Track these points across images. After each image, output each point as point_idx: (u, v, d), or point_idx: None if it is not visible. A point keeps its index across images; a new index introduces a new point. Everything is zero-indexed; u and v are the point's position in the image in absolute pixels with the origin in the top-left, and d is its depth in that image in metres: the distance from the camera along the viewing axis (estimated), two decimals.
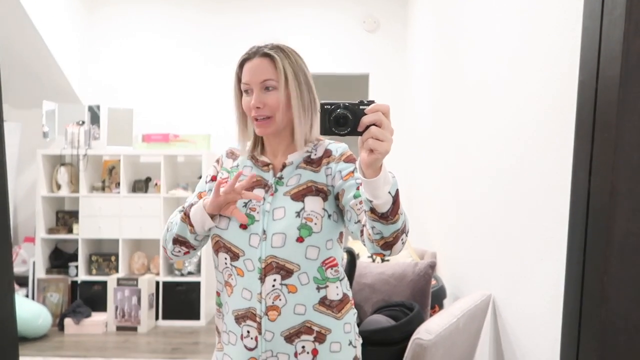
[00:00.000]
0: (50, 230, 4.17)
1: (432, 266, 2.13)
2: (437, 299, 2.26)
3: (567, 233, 0.59)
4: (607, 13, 0.53)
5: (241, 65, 1.17)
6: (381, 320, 1.92)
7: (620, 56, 0.55)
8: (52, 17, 3.96)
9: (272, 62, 1.13)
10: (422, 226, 3.32)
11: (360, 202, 1.05)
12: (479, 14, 2.12)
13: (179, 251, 1.21)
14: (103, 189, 4.23)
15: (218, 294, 1.22)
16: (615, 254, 0.58)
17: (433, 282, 2.27)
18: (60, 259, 4.24)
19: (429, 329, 1.54)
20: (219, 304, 1.22)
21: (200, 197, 1.24)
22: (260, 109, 1.13)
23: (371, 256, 2.61)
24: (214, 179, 1.26)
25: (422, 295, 2.09)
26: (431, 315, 2.04)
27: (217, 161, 1.29)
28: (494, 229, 1.85)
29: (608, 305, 0.55)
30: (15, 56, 3.89)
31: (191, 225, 1.15)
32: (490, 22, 1.96)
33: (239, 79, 1.18)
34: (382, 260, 2.54)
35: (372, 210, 0.93)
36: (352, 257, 2.07)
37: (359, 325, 1.99)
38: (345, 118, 0.88)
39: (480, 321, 1.82)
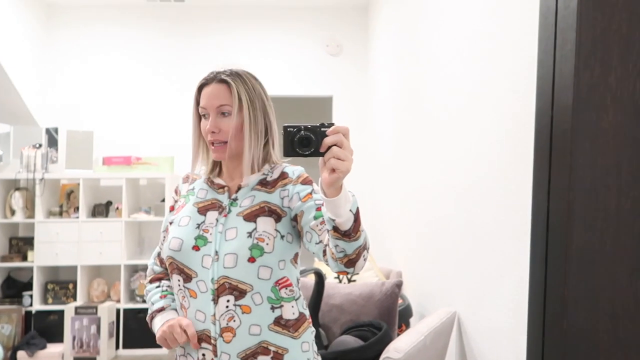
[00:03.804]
0: (3, 258, 3.98)
1: (399, 285, 2.16)
2: (404, 317, 2.29)
3: (530, 250, 0.63)
4: (560, 48, 0.59)
5: (200, 89, 1.20)
6: (350, 341, 1.92)
7: (572, 86, 0.60)
8: (7, 35, 3.86)
9: (228, 88, 1.16)
10: (387, 246, 3.37)
11: (322, 223, 1.08)
12: (439, 37, 2.22)
13: None
14: (61, 213, 4.09)
15: None
16: (574, 268, 0.62)
17: (400, 301, 2.31)
18: (14, 288, 4.04)
19: (398, 348, 1.56)
20: None
21: (168, 230, 1.26)
22: (215, 133, 1.16)
23: (338, 277, 2.62)
24: (171, 209, 1.29)
25: (389, 315, 2.12)
26: (399, 334, 2.06)
27: (176, 191, 1.32)
28: (457, 248, 1.91)
29: (569, 318, 0.59)
30: None
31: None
32: (450, 46, 2.06)
33: (197, 103, 1.21)
34: (349, 281, 2.56)
35: (335, 229, 0.96)
36: (320, 279, 2.08)
37: (327, 347, 1.99)
38: (308, 139, 0.93)
39: (446, 338, 1.86)
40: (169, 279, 1.28)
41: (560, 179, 0.59)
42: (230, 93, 1.16)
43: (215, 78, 1.18)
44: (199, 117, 1.21)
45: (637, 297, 0.67)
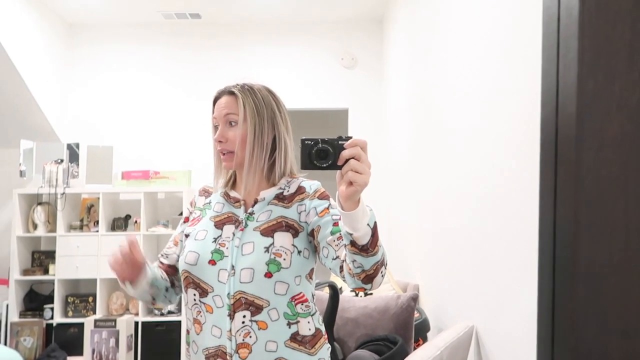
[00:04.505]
0: (25, 272, 4.06)
1: (415, 298, 2.13)
2: (421, 331, 2.26)
3: (537, 263, 0.61)
4: (563, 56, 0.58)
5: (214, 103, 1.23)
6: (365, 356, 1.90)
7: (575, 95, 0.59)
8: (31, 55, 3.98)
9: (235, 99, 1.18)
10: (404, 259, 3.34)
11: (339, 238, 1.07)
12: (452, 48, 2.21)
13: (147, 301, 1.23)
14: (81, 227, 4.16)
15: (188, 332, 1.21)
16: (582, 282, 0.60)
17: (416, 314, 2.27)
18: (36, 301, 4.11)
19: None
20: (188, 343, 1.21)
21: (175, 242, 1.27)
22: (223, 143, 1.18)
23: (354, 290, 2.60)
24: (186, 220, 1.29)
25: (405, 328, 2.09)
26: (415, 349, 2.03)
27: (191, 203, 1.32)
28: (474, 260, 1.88)
29: (577, 332, 0.57)
30: None
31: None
32: (462, 56, 2.05)
33: None
34: (365, 294, 2.54)
35: (353, 244, 0.94)
36: (334, 292, 2.07)
37: None
38: (326, 152, 0.92)
39: (464, 352, 1.82)
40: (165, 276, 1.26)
41: (566, 190, 0.57)
42: (237, 103, 1.18)
43: (225, 91, 1.21)
44: (215, 130, 1.23)
45: None
